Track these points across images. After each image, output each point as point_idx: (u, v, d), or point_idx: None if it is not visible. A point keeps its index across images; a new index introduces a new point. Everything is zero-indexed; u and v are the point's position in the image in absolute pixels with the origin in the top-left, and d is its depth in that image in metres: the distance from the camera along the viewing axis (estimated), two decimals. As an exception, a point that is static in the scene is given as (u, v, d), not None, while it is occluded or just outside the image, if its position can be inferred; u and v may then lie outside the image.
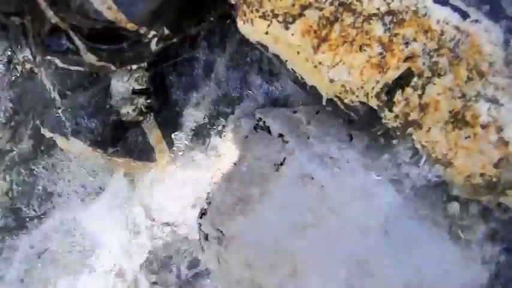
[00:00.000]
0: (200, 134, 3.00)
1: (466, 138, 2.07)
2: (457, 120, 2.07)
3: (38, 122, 2.99)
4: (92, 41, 2.56)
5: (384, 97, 2.20)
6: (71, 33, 2.55)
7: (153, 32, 2.54)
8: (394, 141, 2.32)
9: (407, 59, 2.10)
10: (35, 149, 3.18)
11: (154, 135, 2.95)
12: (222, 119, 2.98)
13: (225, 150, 2.91)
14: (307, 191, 2.55)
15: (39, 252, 3.22)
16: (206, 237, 2.83)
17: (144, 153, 2.96)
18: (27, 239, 3.23)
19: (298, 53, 2.32)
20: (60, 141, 2.96)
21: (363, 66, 2.18)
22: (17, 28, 2.74)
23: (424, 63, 2.08)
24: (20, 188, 3.21)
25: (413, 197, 2.37)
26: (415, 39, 2.07)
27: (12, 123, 3.17)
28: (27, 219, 3.22)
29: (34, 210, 3.22)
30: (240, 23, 2.42)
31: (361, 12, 2.13)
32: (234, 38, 2.89)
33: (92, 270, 3.16)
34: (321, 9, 2.19)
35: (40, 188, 3.21)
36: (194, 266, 2.97)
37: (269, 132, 2.77)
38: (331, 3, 2.17)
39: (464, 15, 1.99)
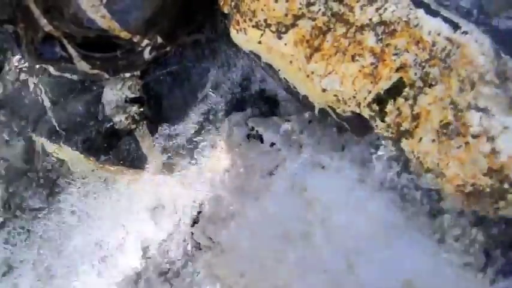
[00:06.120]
0: (192, 142, 3.00)
1: (457, 148, 2.08)
2: (449, 130, 2.08)
3: (30, 130, 2.98)
4: (85, 49, 2.56)
5: (375, 107, 2.21)
6: (64, 41, 2.55)
7: (146, 41, 2.55)
8: (386, 151, 2.33)
9: (399, 69, 2.11)
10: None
11: (146, 143, 2.95)
12: (215, 127, 2.97)
13: (217, 158, 2.91)
14: (299, 199, 2.55)
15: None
16: (198, 246, 2.83)
17: (136, 161, 2.95)
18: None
19: (290, 62, 2.32)
20: (52, 148, 2.95)
21: (355, 76, 2.19)
22: (10, 36, 2.73)
23: (415, 74, 2.08)
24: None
25: (405, 206, 2.38)
26: (406, 50, 2.08)
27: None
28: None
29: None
30: (233, 32, 2.43)
31: (354, 22, 2.14)
32: (227, 47, 2.90)
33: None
34: (313, 20, 2.21)
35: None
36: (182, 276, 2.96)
37: (261, 140, 2.77)
38: (323, 14, 2.18)
39: (455, 27, 2.01)
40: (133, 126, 2.90)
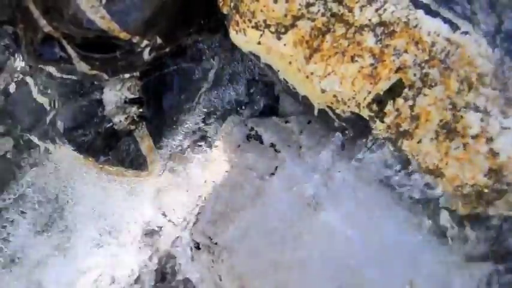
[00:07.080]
0: (192, 143, 3.00)
1: (456, 148, 2.09)
2: (448, 130, 2.08)
3: (28, 130, 2.98)
4: (85, 49, 2.56)
5: (375, 108, 2.21)
6: (64, 42, 2.54)
7: (146, 42, 2.55)
8: (386, 151, 2.33)
9: (398, 70, 2.11)
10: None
11: (146, 144, 2.94)
12: (214, 128, 2.98)
13: (217, 158, 2.91)
14: (299, 200, 2.55)
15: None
16: (197, 246, 2.83)
17: (135, 162, 2.95)
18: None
19: (290, 63, 2.32)
20: (51, 149, 2.95)
21: (354, 76, 2.19)
22: (9, 36, 2.73)
23: (415, 74, 2.09)
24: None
25: (404, 206, 2.38)
26: (406, 51, 2.08)
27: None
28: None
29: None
30: (232, 33, 2.43)
31: (353, 23, 2.14)
32: (226, 48, 2.90)
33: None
34: (313, 20, 2.21)
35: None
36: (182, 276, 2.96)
37: (261, 141, 2.77)
38: (323, 14, 2.18)
39: (455, 27, 2.01)
40: (132, 127, 2.90)
